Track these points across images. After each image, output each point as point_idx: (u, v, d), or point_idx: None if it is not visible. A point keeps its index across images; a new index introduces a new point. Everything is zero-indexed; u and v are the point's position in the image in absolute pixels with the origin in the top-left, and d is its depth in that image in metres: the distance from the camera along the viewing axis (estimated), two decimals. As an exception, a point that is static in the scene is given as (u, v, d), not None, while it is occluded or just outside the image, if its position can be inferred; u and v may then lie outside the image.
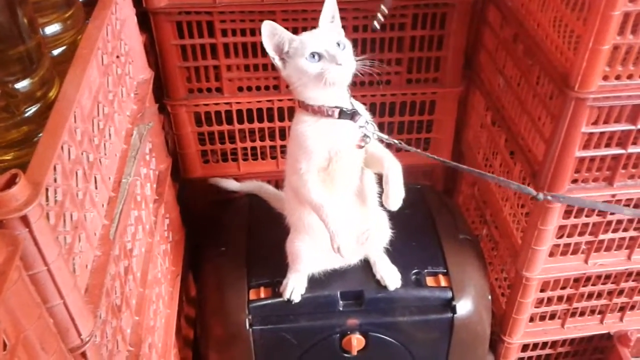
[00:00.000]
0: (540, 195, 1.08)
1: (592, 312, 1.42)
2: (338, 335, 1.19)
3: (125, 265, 0.95)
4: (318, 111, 1.00)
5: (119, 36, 1.07)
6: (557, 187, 1.11)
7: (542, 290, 1.32)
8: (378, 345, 1.20)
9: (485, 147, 1.49)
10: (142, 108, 1.12)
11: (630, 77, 0.99)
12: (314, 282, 1.19)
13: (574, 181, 1.13)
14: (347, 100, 1.03)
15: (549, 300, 1.36)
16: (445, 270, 1.23)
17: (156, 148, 1.27)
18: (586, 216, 1.20)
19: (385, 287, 1.19)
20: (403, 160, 1.04)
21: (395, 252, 1.21)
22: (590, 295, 1.37)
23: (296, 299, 1.17)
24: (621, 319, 1.42)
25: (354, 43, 1.01)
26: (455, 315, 1.19)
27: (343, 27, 1.04)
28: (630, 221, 1.23)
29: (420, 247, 1.28)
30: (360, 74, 0.99)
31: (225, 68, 1.38)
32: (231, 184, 1.46)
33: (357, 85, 1.43)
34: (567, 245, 1.25)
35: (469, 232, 1.36)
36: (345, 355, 1.21)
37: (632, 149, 1.09)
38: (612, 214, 1.20)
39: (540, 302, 1.36)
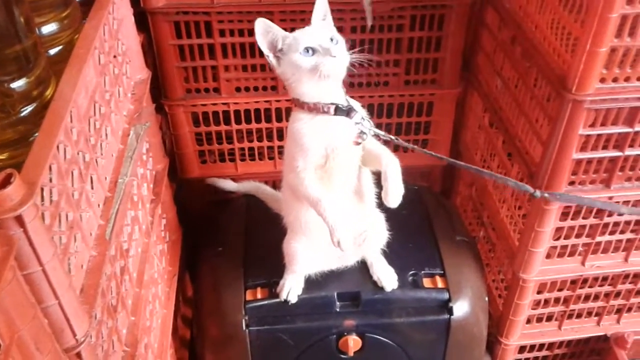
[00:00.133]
0: (538, 193, 1.08)
1: (589, 314, 1.42)
2: (335, 336, 1.19)
3: (121, 265, 0.94)
4: (314, 108, 1.00)
5: (116, 36, 1.07)
6: (554, 189, 1.11)
7: (539, 292, 1.32)
8: (375, 346, 1.20)
9: (482, 148, 1.49)
10: (139, 108, 1.12)
11: (627, 79, 0.99)
12: (311, 283, 1.19)
13: (571, 183, 1.13)
14: (343, 97, 1.03)
15: (546, 302, 1.36)
16: (442, 272, 1.23)
17: (153, 148, 1.26)
18: (583, 218, 1.20)
19: (382, 288, 1.19)
20: (401, 161, 1.04)
21: (392, 253, 1.21)
22: (587, 297, 1.37)
23: (293, 299, 1.17)
24: (618, 321, 1.43)
25: (352, 44, 1.01)
26: (452, 317, 1.19)
27: (341, 27, 1.04)
28: (627, 223, 1.23)
29: (418, 248, 1.28)
30: (354, 67, 0.99)
31: (223, 68, 1.38)
32: (228, 185, 1.46)
33: (355, 87, 1.43)
34: (564, 247, 1.25)
35: (466, 233, 1.36)
36: (342, 356, 1.21)
37: (629, 152, 1.09)
38: (609, 215, 1.20)
39: (537, 303, 1.36)
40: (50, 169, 0.68)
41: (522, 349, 1.45)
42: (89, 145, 0.84)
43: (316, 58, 0.96)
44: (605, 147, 1.09)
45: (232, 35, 1.33)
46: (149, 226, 1.15)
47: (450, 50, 1.40)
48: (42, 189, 0.66)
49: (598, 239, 1.23)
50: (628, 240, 1.25)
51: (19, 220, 0.58)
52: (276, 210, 1.28)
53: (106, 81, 0.97)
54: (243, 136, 1.49)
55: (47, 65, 0.85)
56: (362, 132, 1.02)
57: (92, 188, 0.84)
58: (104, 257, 0.80)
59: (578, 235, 1.23)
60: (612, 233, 1.24)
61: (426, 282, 1.21)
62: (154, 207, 1.21)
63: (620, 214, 1.19)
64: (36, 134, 0.71)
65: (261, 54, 1.00)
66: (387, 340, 1.20)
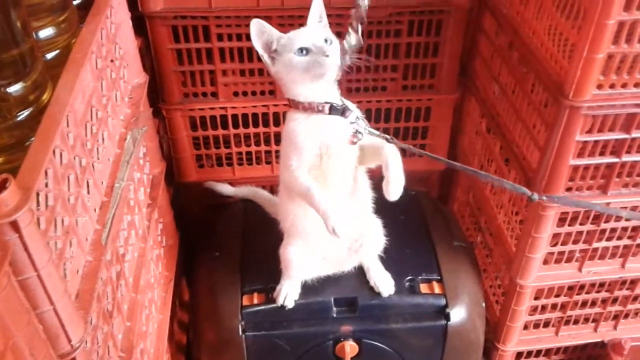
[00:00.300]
0: (535, 196, 1.07)
1: (586, 320, 1.41)
2: (331, 341, 1.18)
3: (117, 270, 0.94)
4: (308, 108, 1.00)
5: (113, 40, 1.07)
6: (551, 194, 1.11)
7: (536, 298, 1.32)
8: (371, 352, 1.20)
9: (480, 154, 1.49)
10: (137, 112, 1.11)
11: (624, 85, 1.00)
12: (308, 288, 1.19)
13: (569, 189, 1.13)
14: (338, 97, 1.03)
15: (543, 308, 1.36)
16: (439, 277, 1.23)
17: (150, 152, 1.26)
18: (580, 224, 1.20)
19: (379, 294, 1.19)
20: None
21: (389, 258, 1.21)
22: (584, 304, 1.37)
23: (289, 305, 1.17)
24: (615, 327, 1.42)
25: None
26: (449, 323, 1.19)
27: (340, 32, 1.04)
28: (625, 229, 1.23)
29: (414, 253, 1.28)
30: (352, 71, 0.99)
31: (221, 73, 1.38)
32: (226, 189, 1.46)
33: (353, 91, 1.43)
34: (561, 253, 1.25)
35: (463, 239, 1.36)
36: (339, 362, 1.21)
37: (626, 158, 1.09)
38: (606, 221, 1.20)
39: (534, 309, 1.35)
40: (46, 173, 0.68)
41: (519, 355, 1.45)
42: (86, 149, 0.83)
43: (310, 58, 0.96)
44: (602, 153, 1.09)
45: (230, 39, 1.33)
46: (146, 231, 1.15)
47: (448, 55, 1.40)
48: (37, 194, 0.65)
49: (595, 245, 1.23)
50: (625, 246, 1.25)
51: (14, 225, 0.58)
52: (273, 215, 1.28)
53: (103, 85, 0.97)
54: (241, 140, 1.49)
55: (43, 70, 0.85)
56: (357, 132, 1.02)
57: (89, 193, 0.83)
58: (99, 262, 0.80)
59: (575, 241, 1.23)
60: (609, 239, 1.24)
61: (423, 287, 1.21)
62: (150, 211, 1.21)
63: (618, 219, 1.19)
64: (32, 139, 0.70)
65: (258, 57, 1.00)
66: (383, 346, 1.20)
